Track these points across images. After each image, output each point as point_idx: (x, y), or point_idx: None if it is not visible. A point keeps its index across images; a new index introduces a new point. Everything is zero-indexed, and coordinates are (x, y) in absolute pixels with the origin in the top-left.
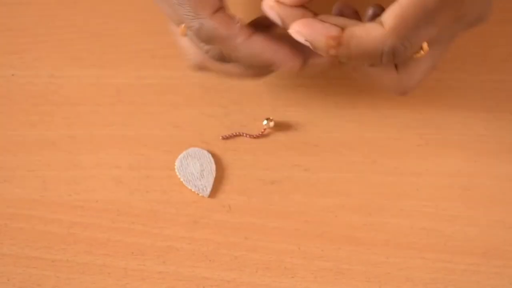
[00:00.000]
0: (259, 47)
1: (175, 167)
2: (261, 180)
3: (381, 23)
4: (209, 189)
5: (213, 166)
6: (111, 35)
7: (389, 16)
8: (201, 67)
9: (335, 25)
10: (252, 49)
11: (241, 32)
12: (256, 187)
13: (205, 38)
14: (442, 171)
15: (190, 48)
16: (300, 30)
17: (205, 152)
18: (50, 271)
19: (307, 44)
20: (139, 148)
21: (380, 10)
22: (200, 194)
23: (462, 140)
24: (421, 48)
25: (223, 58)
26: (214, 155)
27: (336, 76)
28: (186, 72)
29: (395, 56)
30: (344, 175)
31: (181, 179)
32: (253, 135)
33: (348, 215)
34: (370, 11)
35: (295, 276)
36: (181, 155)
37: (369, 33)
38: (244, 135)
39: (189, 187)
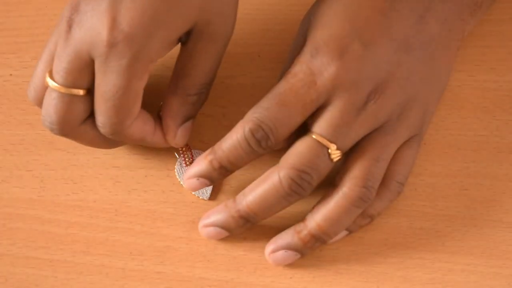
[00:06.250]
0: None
1: (175, 170)
2: None
3: None
4: (209, 192)
5: None
6: None
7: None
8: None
9: None
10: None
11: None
12: None
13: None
14: (440, 171)
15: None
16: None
17: None
18: (48, 271)
19: None
20: (136, 147)
21: None
22: (200, 198)
23: (460, 140)
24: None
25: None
26: None
27: None
28: None
29: (263, 138)
30: None
31: (181, 183)
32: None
33: None
34: None
35: (294, 276)
36: (180, 158)
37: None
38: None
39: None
